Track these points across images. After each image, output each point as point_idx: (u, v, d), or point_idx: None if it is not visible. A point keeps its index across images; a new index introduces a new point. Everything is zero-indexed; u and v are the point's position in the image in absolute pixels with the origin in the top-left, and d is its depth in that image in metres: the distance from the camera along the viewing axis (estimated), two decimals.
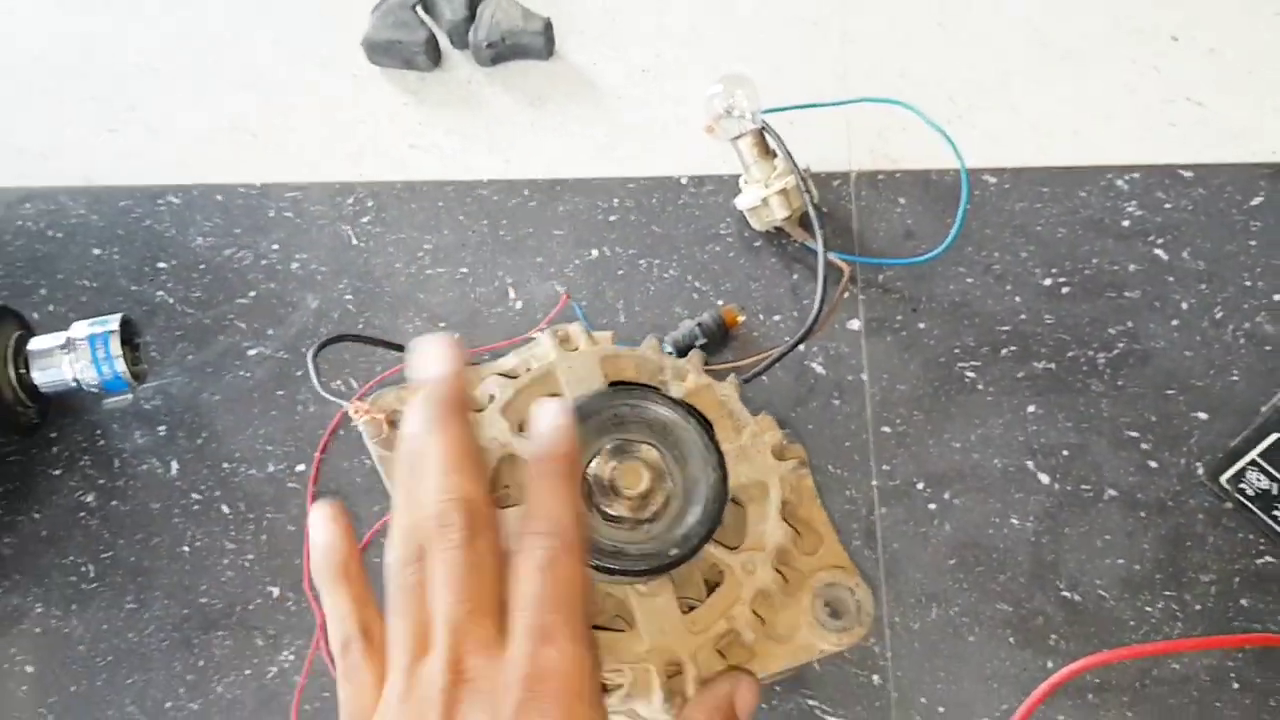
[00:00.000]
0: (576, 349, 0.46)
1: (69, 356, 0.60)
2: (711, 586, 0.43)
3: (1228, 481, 0.56)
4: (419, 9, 0.72)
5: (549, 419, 0.37)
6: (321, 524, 0.40)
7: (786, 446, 0.45)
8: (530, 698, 0.32)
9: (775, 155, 0.65)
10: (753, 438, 0.45)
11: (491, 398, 0.45)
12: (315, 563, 0.39)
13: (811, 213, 0.62)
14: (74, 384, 0.60)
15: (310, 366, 0.54)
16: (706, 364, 0.50)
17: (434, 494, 0.36)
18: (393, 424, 0.45)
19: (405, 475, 0.37)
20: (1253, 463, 0.54)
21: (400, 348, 0.61)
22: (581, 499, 0.37)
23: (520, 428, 0.43)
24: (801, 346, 0.62)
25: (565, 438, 0.37)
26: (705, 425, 0.44)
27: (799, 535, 0.44)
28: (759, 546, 0.43)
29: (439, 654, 0.34)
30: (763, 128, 0.64)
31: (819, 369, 0.63)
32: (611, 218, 0.68)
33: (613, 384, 0.45)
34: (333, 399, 0.50)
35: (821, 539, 0.45)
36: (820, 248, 0.60)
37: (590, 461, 0.42)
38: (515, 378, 0.45)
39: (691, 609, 0.42)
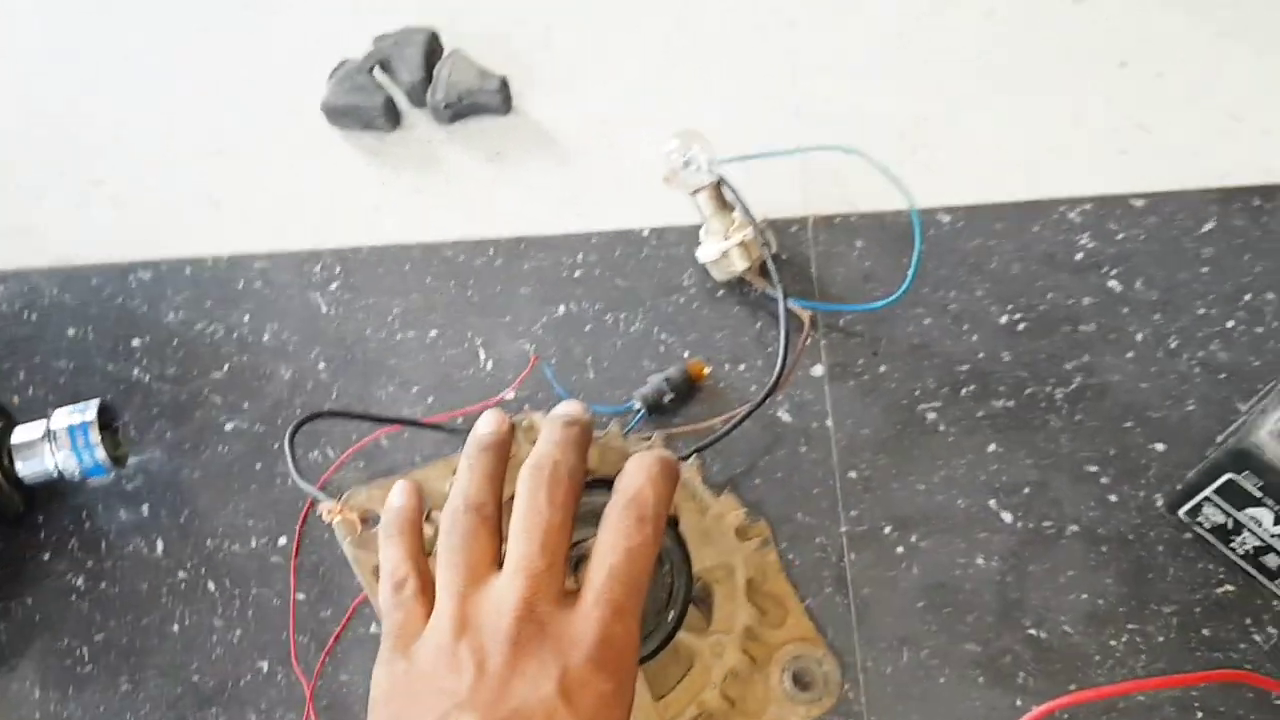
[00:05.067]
0: None
1: (49, 446, 0.61)
2: (684, 669, 0.44)
3: (1186, 515, 0.58)
4: (376, 72, 0.73)
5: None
6: (399, 491, 0.44)
7: (750, 525, 0.47)
8: (599, 660, 0.35)
9: (733, 207, 0.66)
10: (716, 520, 0.46)
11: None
12: (384, 519, 0.43)
13: (770, 266, 0.63)
14: (56, 474, 0.61)
15: (287, 452, 0.55)
16: (675, 424, 0.52)
17: (543, 445, 0.40)
18: (365, 522, 0.47)
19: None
20: (1207, 499, 0.56)
21: (372, 419, 0.62)
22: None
23: None
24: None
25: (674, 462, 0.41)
26: (670, 520, 0.45)
27: (765, 611, 0.46)
28: (726, 629, 0.44)
29: (511, 590, 0.36)
30: (719, 181, 0.65)
31: (785, 417, 0.64)
32: (576, 273, 0.69)
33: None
34: (308, 488, 0.52)
35: (788, 611, 0.47)
36: (781, 304, 0.62)
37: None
38: None
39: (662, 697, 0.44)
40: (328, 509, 0.46)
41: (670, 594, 0.43)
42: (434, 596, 0.39)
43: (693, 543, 0.45)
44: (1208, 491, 0.55)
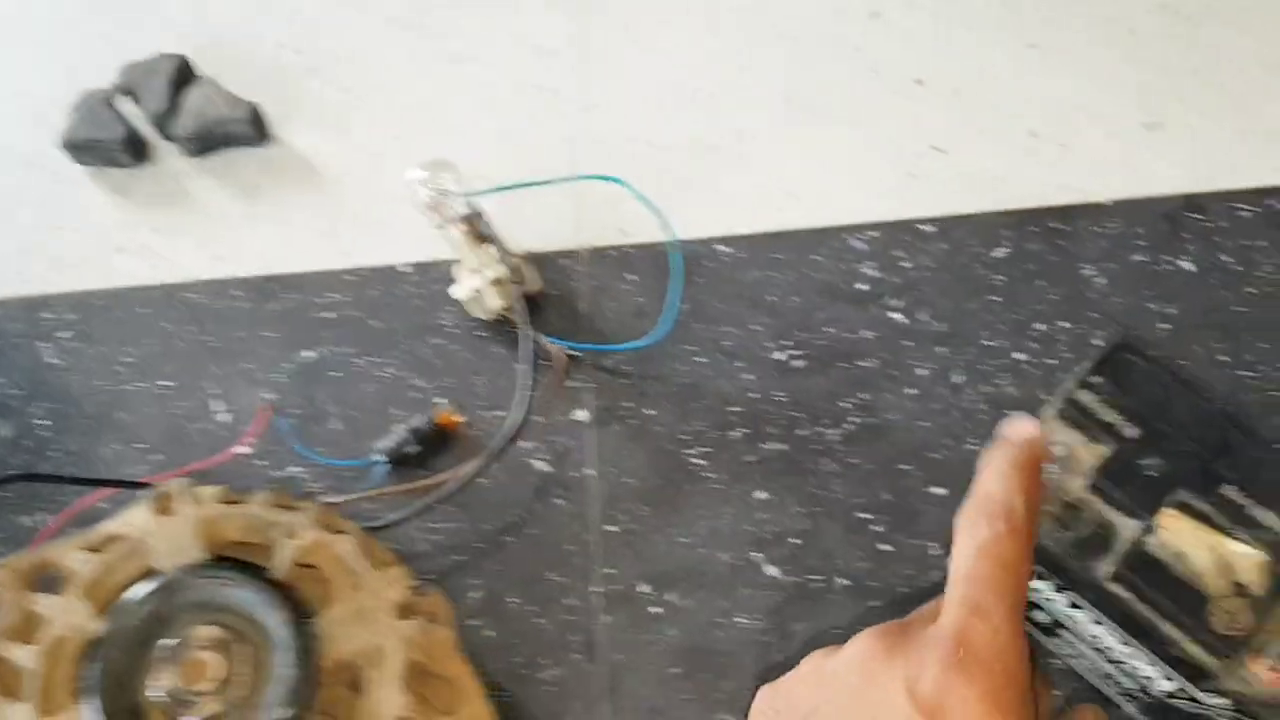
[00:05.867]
0: (178, 513, 0.42)
1: None
2: None
3: None
4: (124, 102, 0.68)
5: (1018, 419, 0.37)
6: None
7: (418, 600, 0.42)
8: (955, 662, 0.32)
9: (490, 241, 0.61)
10: (371, 597, 0.41)
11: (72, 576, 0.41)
12: None
13: (519, 303, 0.59)
14: None
15: None
16: (421, 477, 0.48)
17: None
18: None
19: None
20: None
21: (80, 481, 0.57)
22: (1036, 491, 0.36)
23: (104, 609, 0.39)
24: (525, 443, 0.59)
25: (1027, 426, 0.37)
26: (297, 605, 0.40)
27: (430, 697, 0.41)
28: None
29: None
30: (474, 214, 0.60)
31: (543, 467, 0.59)
32: (328, 314, 0.64)
33: (218, 557, 0.41)
34: None
35: (462, 697, 0.41)
36: (525, 343, 0.57)
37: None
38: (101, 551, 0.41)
39: None
40: None
41: (286, 686, 0.38)
42: None
43: (342, 623, 0.39)
44: None
